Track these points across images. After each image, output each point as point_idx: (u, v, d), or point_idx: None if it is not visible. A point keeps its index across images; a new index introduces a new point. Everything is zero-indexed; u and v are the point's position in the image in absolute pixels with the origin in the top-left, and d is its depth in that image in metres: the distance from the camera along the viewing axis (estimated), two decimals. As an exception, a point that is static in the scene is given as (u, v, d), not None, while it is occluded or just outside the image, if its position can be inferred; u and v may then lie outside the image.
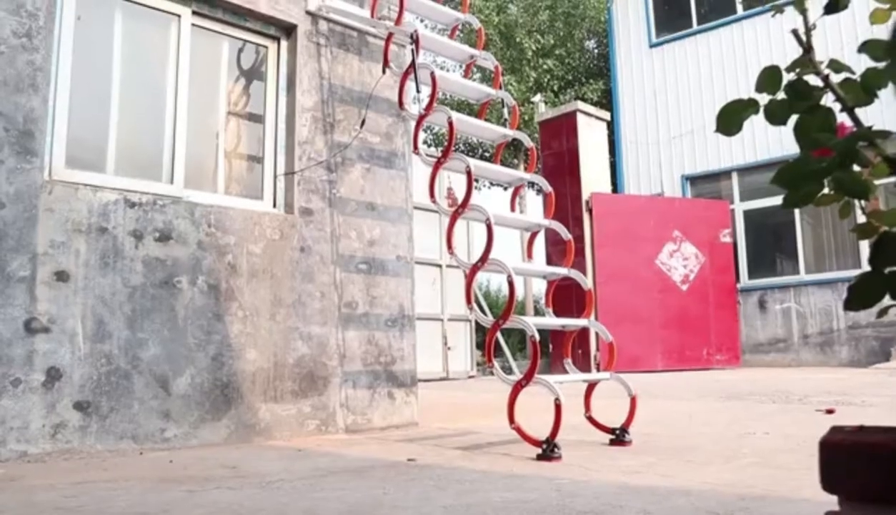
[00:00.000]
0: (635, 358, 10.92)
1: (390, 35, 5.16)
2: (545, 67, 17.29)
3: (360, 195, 5.20)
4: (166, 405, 4.06)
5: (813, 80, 1.34)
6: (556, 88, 17.63)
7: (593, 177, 12.42)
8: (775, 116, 1.35)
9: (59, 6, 4.11)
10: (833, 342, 12.37)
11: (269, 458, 3.76)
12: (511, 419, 3.90)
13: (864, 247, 12.09)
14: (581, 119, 12.51)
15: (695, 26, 14.98)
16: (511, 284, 4.01)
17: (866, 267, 1.15)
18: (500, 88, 5.33)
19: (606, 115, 13.37)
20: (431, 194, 4.56)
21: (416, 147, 4.80)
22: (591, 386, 4.49)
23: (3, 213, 3.64)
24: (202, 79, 4.83)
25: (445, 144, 4.54)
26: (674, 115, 14.91)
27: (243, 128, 5.07)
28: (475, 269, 4.19)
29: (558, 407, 3.69)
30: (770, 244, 13.76)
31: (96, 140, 4.36)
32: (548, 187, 4.85)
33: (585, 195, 12.07)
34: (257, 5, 4.91)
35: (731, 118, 1.35)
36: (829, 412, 5.10)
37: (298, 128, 4.96)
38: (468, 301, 4.30)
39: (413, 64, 4.75)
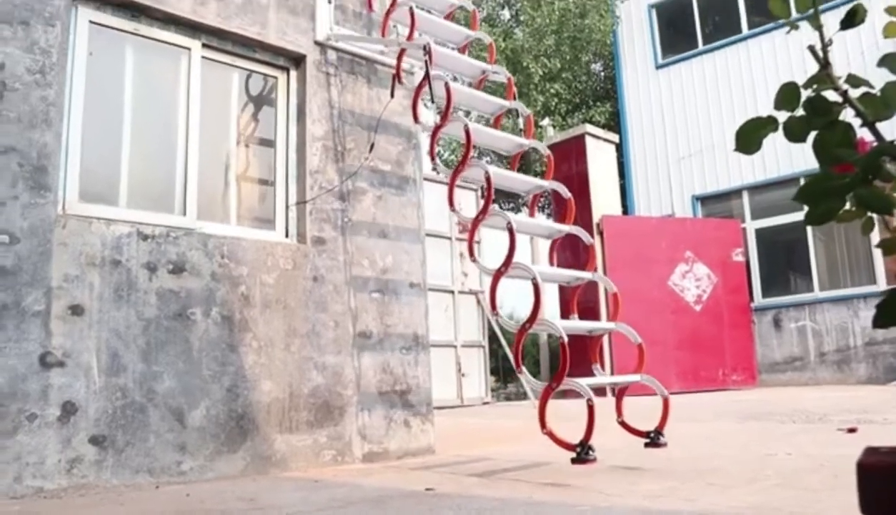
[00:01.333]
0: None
1: (402, 51, 5.09)
2: (552, 91, 17.35)
3: (372, 223, 5.21)
4: (182, 437, 4.04)
5: (831, 95, 1.33)
6: (563, 111, 17.68)
7: (603, 199, 12.41)
8: (794, 133, 1.33)
9: (71, 43, 4.15)
10: (850, 359, 12.25)
11: (286, 490, 3.73)
12: (543, 425, 3.85)
13: (879, 263, 12.02)
14: (590, 142, 12.53)
15: (700, 46, 15.02)
16: (536, 286, 3.94)
17: (882, 283, 1.13)
18: (514, 98, 5.32)
19: (615, 137, 13.39)
20: (451, 203, 4.49)
21: (433, 159, 4.76)
22: (622, 391, 4.45)
23: (18, 248, 3.66)
24: (213, 110, 4.86)
25: (461, 155, 4.50)
26: (682, 135, 14.92)
27: (254, 158, 5.09)
28: (499, 274, 4.14)
29: (591, 408, 3.65)
30: (783, 262, 13.68)
31: (109, 173, 4.38)
32: (567, 193, 4.82)
33: (596, 218, 12.05)
34: (266, 37, 4.94)
35: (749, 137, 1.34)
36: (851, 431, 5.03)
37: (309, 157, 4.97)
38: (493, 308, 4.27)
39: (427, 76, 4.70)
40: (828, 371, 12.48)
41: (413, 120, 5.11)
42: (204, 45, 4.79)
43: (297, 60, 5.16)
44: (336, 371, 4.79)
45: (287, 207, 4.95)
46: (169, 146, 4.60)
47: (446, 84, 4.65)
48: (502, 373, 17.56)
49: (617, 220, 12.41)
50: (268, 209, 4.98)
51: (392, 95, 5.30)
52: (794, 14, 1.40)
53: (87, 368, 3.78)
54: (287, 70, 5.17)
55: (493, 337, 12.68)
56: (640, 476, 3.79)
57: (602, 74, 18.92)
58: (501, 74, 5.44)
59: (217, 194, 4.84)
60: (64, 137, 4.02)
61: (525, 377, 4.18)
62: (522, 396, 12.90)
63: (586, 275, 4.58)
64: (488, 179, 4.31)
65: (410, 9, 5.14)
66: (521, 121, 5.25)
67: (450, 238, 11.61)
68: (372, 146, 5.26)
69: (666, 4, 15.83)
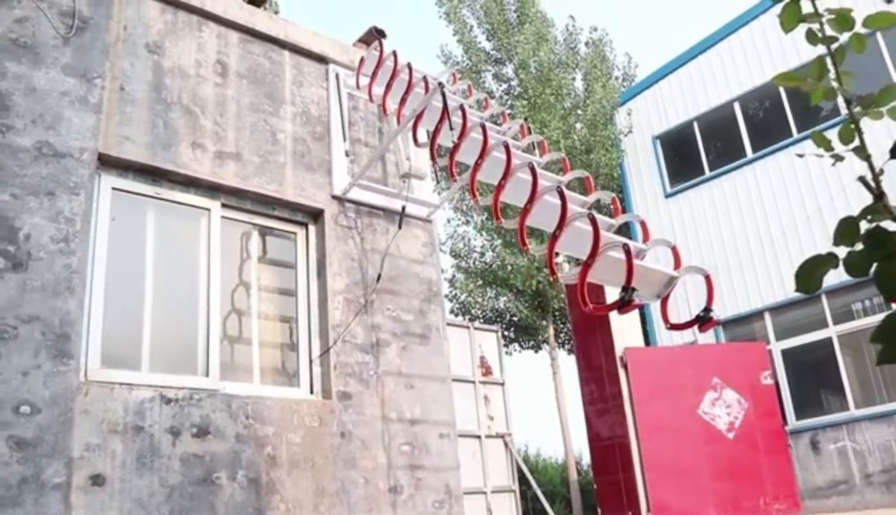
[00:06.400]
0: (689, 516, 10.39)
1: (419, 116, 4.86)
2: (564, 225, 17.54)
3: (398, 375, 5.10)
4: None
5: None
6: (576, 246, 17.71)
7: (625, 331, 12.27)
8: (856, 268, 1.27)
9: (94, 209, 4.21)
10: (900, 479, 11.72)
11: None
12: (584, 303, 3.75)
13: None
14: (606, 275, 12.50)
15: (707, 173, 15.22)
16: (629, 253, 3.67)
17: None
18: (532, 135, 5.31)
19: (631, 268, 13.37)
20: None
21: (452, 175, 4.41)
22: (665, 299, 4.23)
23: (39, 418, 3.58)
24: (233, 269, 4.87)
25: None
26: (697, 261, 14.89)
27: (276, 315, 5.05)
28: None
29: (628, 253, 3.62)
30: (813, 382, 13.33)
31: (131, 337, 4.34)
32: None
33: (619, 351, 11.87)
34: (284, 193, 5.01)
35: (810, 276, 1.28)
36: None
37: (331, 311, 4.93)
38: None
39: (445, 108, 4.54)
40: (876, 494, 11.92)
41: (431, 159, 4.89)
42: (223, 205, 4.84)
43: (316, 215, 5.21)
44: (367, 530, 4.58)
45: (311, 362, 4.87)
46: (190, 307, 4.58)
47: (461, 106, 4.48)
48: (533, 515, 16.91)
49: (640, 351, 12.21)
50: (291, 366, 4.91)
51: (399, 227, 5.30)
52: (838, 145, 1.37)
53: (109, 543, 3.62)
54: (306, 225, 5.21)
55: (522, 479, 12.28)
56: None
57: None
58: (514, 126, 5.37)
59: (240, 353, 4.78)
60: (86, 303, 4.01)
61: (566, 275, 4.07)
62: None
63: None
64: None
65: (424, 78, 5.07)
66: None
67: (473, 382, 11.46)
68: (379, 277, 5.19)
69: (670, 135, 16.16)
